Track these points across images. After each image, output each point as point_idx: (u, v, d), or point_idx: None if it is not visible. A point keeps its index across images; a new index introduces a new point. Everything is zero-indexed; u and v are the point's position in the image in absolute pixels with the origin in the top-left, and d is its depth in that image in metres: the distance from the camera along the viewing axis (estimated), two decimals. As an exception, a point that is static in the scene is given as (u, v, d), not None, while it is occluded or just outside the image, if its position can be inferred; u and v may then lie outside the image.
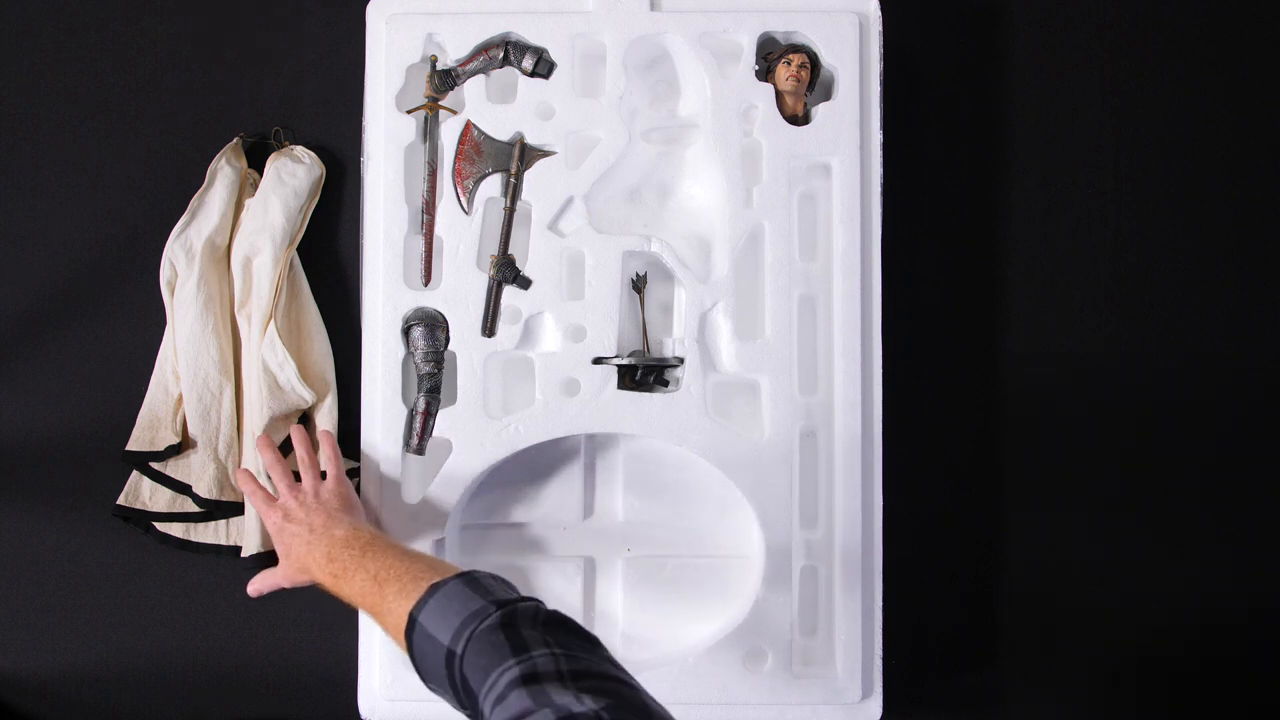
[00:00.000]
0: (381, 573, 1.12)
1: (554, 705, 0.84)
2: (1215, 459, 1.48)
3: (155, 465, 1.41)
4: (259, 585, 1.27)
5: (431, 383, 1.37)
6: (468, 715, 0.99)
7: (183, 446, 1.41)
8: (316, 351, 1.42)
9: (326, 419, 1.42)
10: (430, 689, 1.04)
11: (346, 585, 1.15)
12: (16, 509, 1.45)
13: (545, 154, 1.39)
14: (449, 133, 1.39)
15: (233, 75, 1.47)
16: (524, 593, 1.41)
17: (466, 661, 0.96)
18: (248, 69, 1.47)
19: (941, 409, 1.47)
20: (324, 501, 1.27)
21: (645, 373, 1.37)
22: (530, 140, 1.39)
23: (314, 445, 1.35)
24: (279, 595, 1.43)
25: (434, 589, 1.04)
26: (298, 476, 1.32)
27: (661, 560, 1.43)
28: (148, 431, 1.41)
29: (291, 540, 1.23)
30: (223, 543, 1.43)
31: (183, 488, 1.41)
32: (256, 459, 1.36)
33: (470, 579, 1.05)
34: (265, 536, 1.39)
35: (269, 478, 1.32)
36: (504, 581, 1.07)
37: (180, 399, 1.41)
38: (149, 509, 1.42)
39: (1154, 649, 1.47)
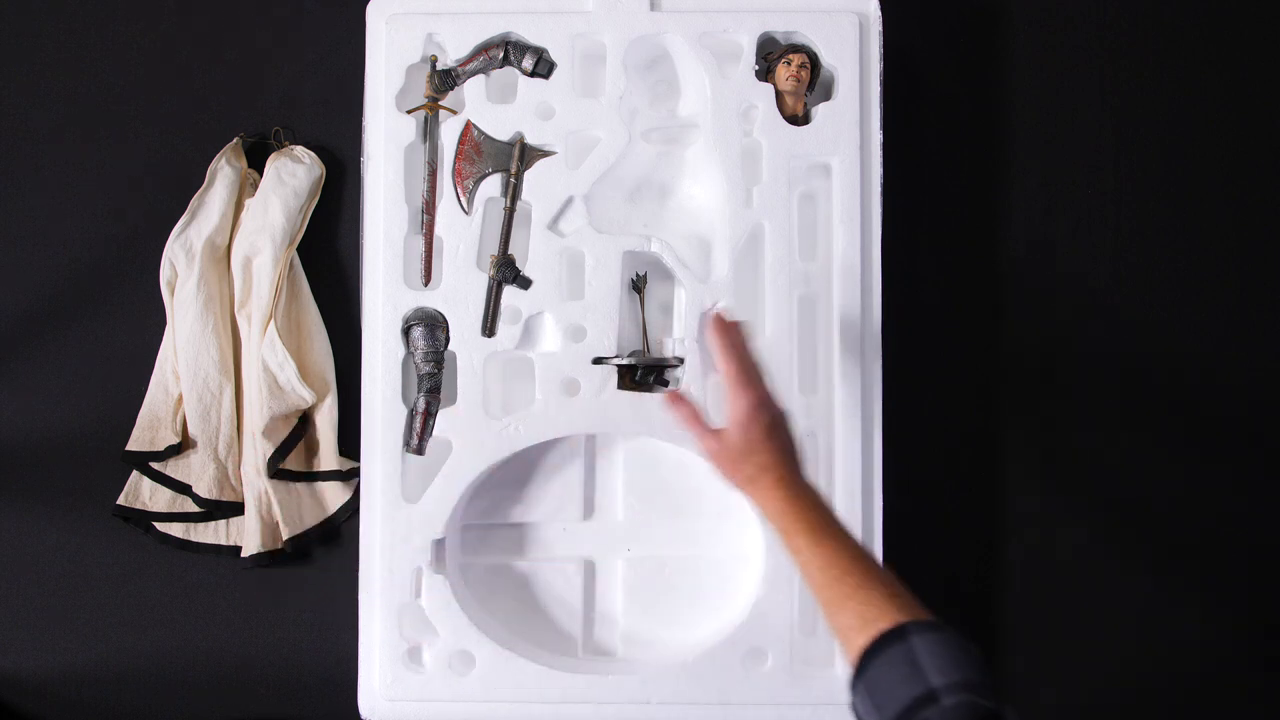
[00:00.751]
0: (863, 560, 1.08)
1: None
2: (1215, 458, 1.48)
3: (155, 465, 1.41)
4: (683, 415, 1.21)
5: (431, 383, 1.37)
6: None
7: (183, 446, 1.41)
8: (316, 351, 1.42)
9: (326, 419, 1.42)
10: (854, 688, 1.02)
11: (807, 543, 1.09)
12: (16, 509, 1.45)
13: (545, 154, 1.39)
14: (449, 133, 1.39)
15: (233, 75, 1.47)
16: (524, 592, 1.42)
17: (942, 713, 0.94)
18: (248, 69, 1.47)
19: (941, 409, 1.47)
20: (794, 436, 1.19)
21: (645, 373, 1.37)
22: (530, 140, 1.39)
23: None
24: (279, 595, 1.44)
25: (940, 626, 1.01)
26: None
27: (661, 560, 1.43)
28: (148, 431, 1.41)
29: (764, 453, 1.15)
30: (223, 543, 1.43)
31: (183, 488, 1.41)
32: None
33: (968, 644, 1.01)
34: (265, 536, 1.40)
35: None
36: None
37: (180, 399, 1.41)
38: (149, 509, 1.42)
39: (1154, 649, 1.47)
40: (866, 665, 1.01)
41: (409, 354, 1.38)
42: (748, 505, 1.35)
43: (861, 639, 1.02)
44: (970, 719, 0.93)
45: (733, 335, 1.21)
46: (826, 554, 1.09)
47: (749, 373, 1.19)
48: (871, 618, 1.03)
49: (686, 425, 1.21)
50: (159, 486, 1.42)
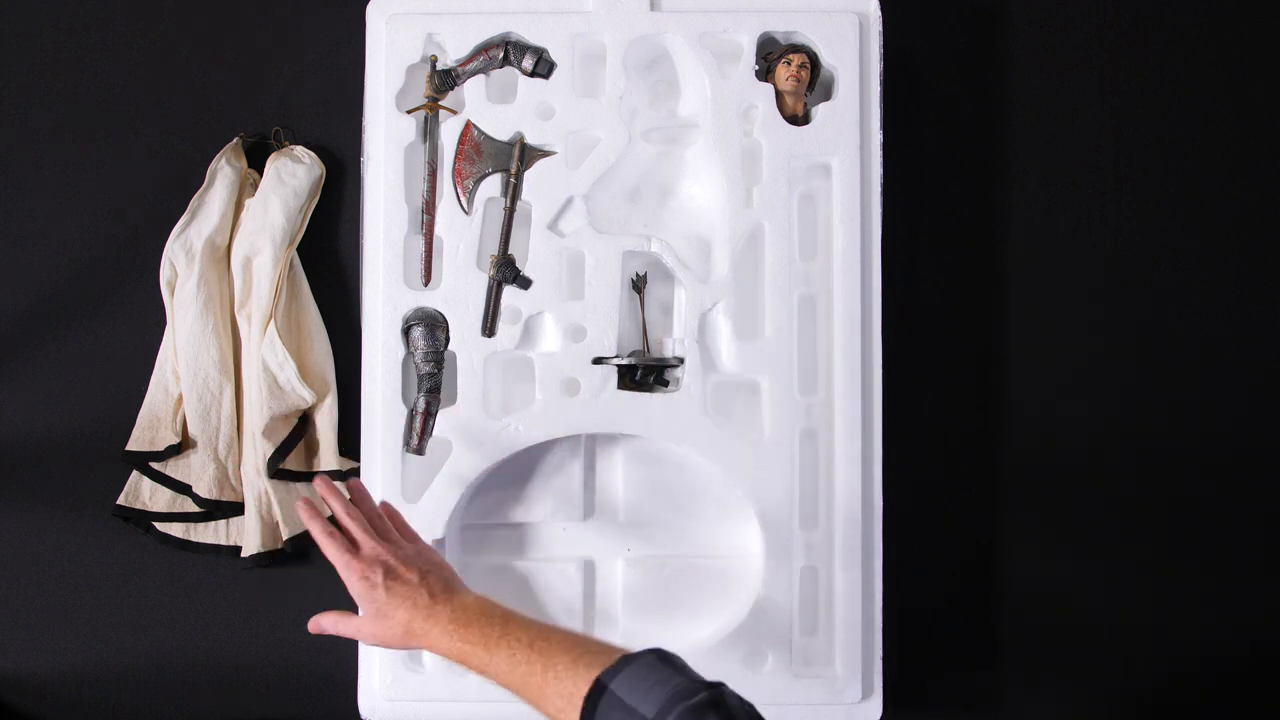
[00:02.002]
0: (540, 642, 1.07)
1: None
2: (1215, 457, 1.48)
3: (155, 465, 1.41)
4: (327, 627, 1.18)
5: (431, 383, 1.37)
6: None
7: (183, 446, 1.41)
8: (316, 351, 1.42)
9: (326, 419, 1.42)
10: None
11: (485, 655, 1.09)
12: (16, 509, 1.45)
13: (545, 154, 1.39)
14: (449, 133, 1.39)
15: (233, 75, 1.47)
16: (524, 592, 1.42)
17: None
18: (248, 69, 1.47)
19: (941, 409, 1.47)
20: (434, 564, 1.18)
21: (645, 373, 1.37)
22: (530, 140, 1.39)
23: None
24: (279, 595, 1.44)
25: (628, 659, 1.02)
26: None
27: (661, 560, 1.43)
28: (148, 431, 1.41)
29: (399, 604, 1.13)
30: (223, 543, 1.43)
31: (183, 488, 1.41)
32: (310, 492, 1.29)
33: (664, 655, 1.04)
34: (265, 536, 1.40)
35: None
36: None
37: (180, 399, 1.41)
38: (149, 509, 1.42)
39: (1154, 649, 1.47)
40: (621, 668, 1.02)
41: (409, 354, 1.38)
42: (747, 505, 1.36)
43: (574, 714, 1.02)
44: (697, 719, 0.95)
45: (332, 501, 1.20)
46: (506, 655, 1.08)
47: (341, 539, 1.17)
48: (569, 691, 1.03)
49: (335, 629, 1.18)
50: (159, 486, 1.42)
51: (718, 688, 0.99)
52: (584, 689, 1.01)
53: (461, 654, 1.11)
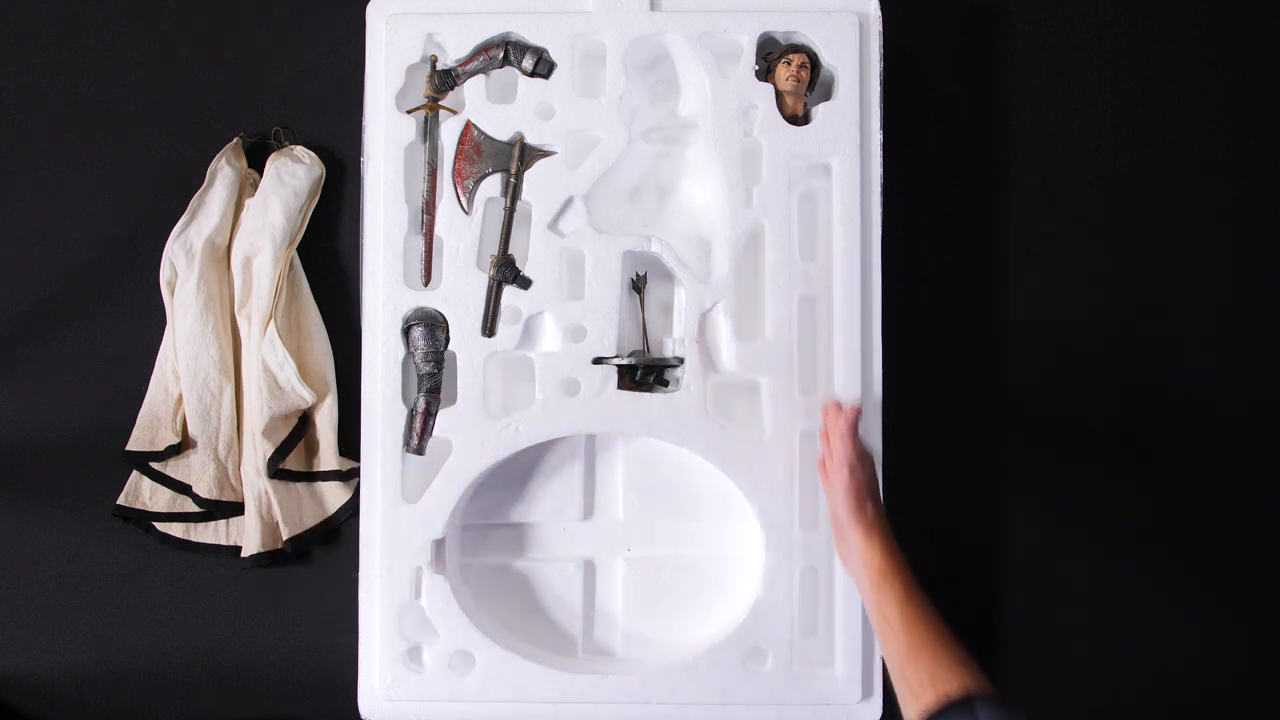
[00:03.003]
0: (937, 621, 1.13)
1: None
2: (1217, 457, 1.48)
3: (155, 465, 1.41)
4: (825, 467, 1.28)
5: (431, 383, 1.37)
6: None
7: (183, 446, 1.41)
8: (316, 351, 1.42)
9: (326, 419, 1.42)
10: None
11: (892, 597, 1.15)
12: (16, 509, 1.45)
13: (545, 154, 1.39)
14: (449, 133, 1.39)
15: (233, 75, 1.47)
16: (524, 592, 1.42)
17: None
18: (248, 69, 1.47)
19: (941, 409, 1.47)
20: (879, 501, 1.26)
21: (645, 373, 1.37)
22: (530, 140, 1.39)
23: None
24: (279, 595, 1.44)
25: (994, 701, 1.03)
26: None
27: (661, 560, 1.43)
28: (148, 431, 1.41)
29: (867, 503, 1.23)
30: (223, 543, 1.43)
31: (183, 488, 1.41)
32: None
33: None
34: (265, 536, 1.40)
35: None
36: None
37: (180, 399, 1.41)
38: (149, 509, 1.42)
39: (1155, 649, 1.47)
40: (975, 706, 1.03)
41: (409, 354, 1.38)
42: (747, 505, 1.35)
43: (928, 697, 1.06)
44: None
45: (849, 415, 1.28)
46: (914, 609, 1.14)
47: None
48: (942, 677, 1.06)
49: (834, 438, 1.27)
50: (159, 486, 1.42)
51: None
52: (952, 690, 1.04)
53: (884, 576, 1.17)
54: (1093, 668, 1.47)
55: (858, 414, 1.27)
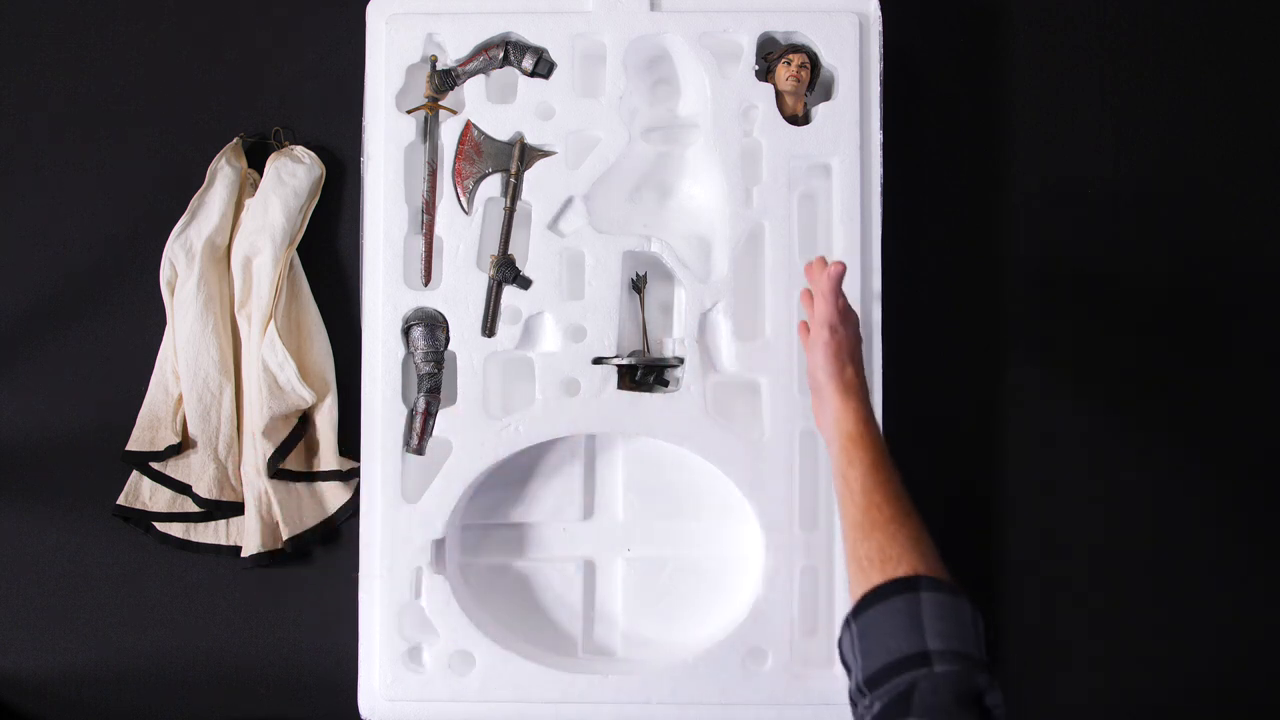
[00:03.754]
0: (906, 497, 1.09)
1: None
2: (1218, 455, 1.48)
3: (155, 465, 1.41)
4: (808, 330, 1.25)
5: (431, 383, 1.37)
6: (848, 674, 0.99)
7: (183, 446, 1.41)
8: (316, 351, 1.42)
9: (326, 419, 1.42)
10: (847, 624, 1.00)
11: (866, 465, 1.11)
12: (16, 509, 1.45)
13: (545, 154, 1.39)
14: (449, 133, 1.39)
15: (233, 75, 1.47)
16: (524, 592, 1.42)
17: (931, 680, 0.92)
18: (248, 69, 1.47)
19: (941, 409, 1.47)
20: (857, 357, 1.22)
21: (645, 373, 1.37)
22: (530, 140, 1.39)
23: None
24: (279, 595, 1.44)
25: (956, 590, 1.00)
26: None
27: (661, 560, 1.43)
28: (148, 431, 1.41)
29: (848, 365, 1.19)
30: (223, 543, 1.43)
31: (183, 488, 1.41)
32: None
33: (978, 613, 1.01)
34: (265, 536, 1.40)
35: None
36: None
37: (180, 399, 1.41)
38: (149, 509, 1.42)
39: (1155, 650, 1.47)
40: (868, 605, 0.99)
41: (409, 354, 1.38)
42: (747, 505, 1.35)
43: (876, 576, 1.01)
44: (955, 692, 0.91)
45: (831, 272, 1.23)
46: (877, 482, 1.10)
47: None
48: (892, 557, 1.02)
49: (816, 297, 1.23)
50: (159, 486, 1.42)
51: (992, 688, 0.93)
52: (902, 570, 1.00)
53: (853, 445, 1.13)
54: (1093, 668, 1.47)
55: (842, 270, 1.21)
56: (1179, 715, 1.48)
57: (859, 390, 1.19)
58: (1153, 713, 1.48)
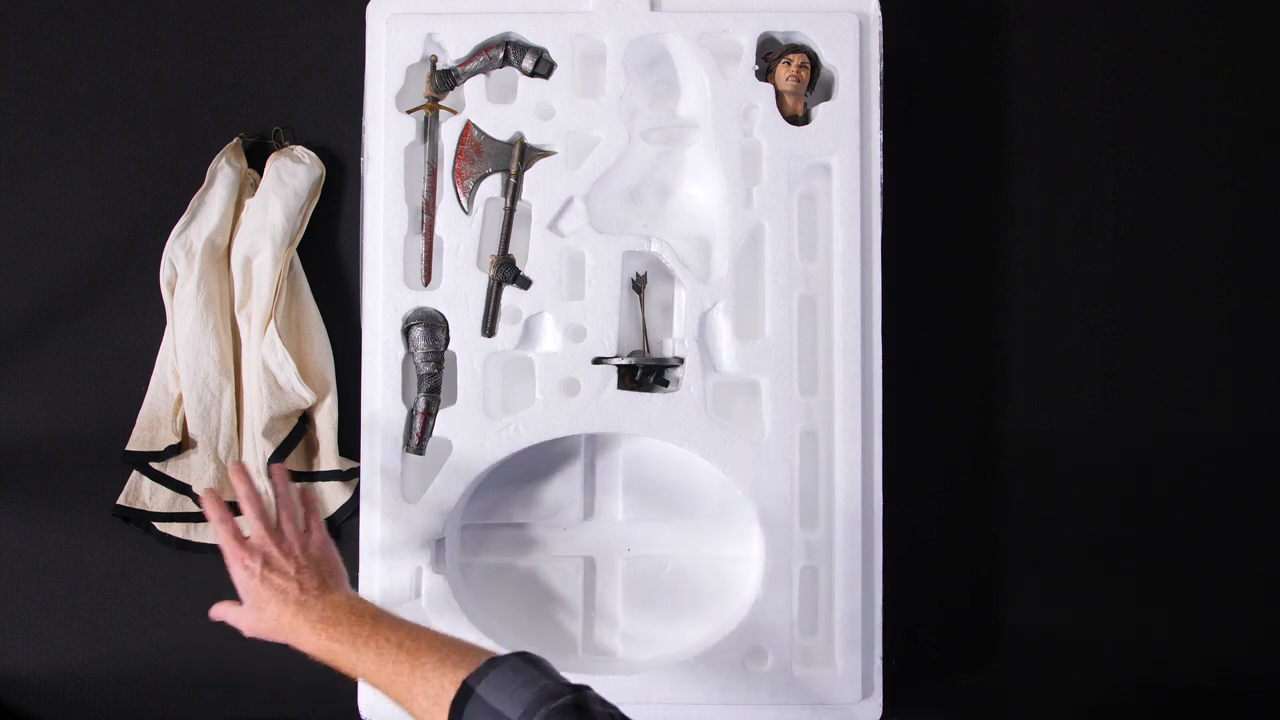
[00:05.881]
0: (409, 643, 1.08)
1: None
2: (1218, 461, 1.48)
3: (155, 465, 1.41)
4: (217, 615, 1.21)
5: (431, 383, 1.37)
6: None
7: (183, 446, 1.41)
8: (316, 351, 1.42)
9: (326, 419, 1.42)
10: None
11: (353, 655, 1.09)
12: (16, 509, 1.45)
13: (545, 154, 1.39)
14: (449, 133, 1.39)
15: (233, 75, 1.47)
16: (524, 592, 1.42)
17: None
18: (248, 69, 1.47)
19: (941, 408, 1.47)
20: (314, 559, 1.18)
21: (645, 373, 1.37)
22: (530, 140, 1.39)
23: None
24: (279, 595, 1.44)
25: (494, 662, 1.03)
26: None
27: (661, 560, 1.43)
28: (148, 431, 1.41)
29: (271, 596, 1.15)
30: (223, 543, 1.43)
31: (183, 488, 1.41)
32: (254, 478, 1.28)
33: (530, 657, 1.04)
34: (265, 536, 1.40)
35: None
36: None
37: (180, 399, 1.41)
38: (149, 509, 1.42)
39: (1154, 650, 1.47)
40: (487, 671, 1.02)
41: (409, 354, 1.38)
42: (747, 505, 1.36)
43: (442, 715, 1.02)
44: (573, 715, 0.96)
45: (238, 484, 1.21)
46: (374, 655, 1.08)
47: (233, 525, 1.20)
48: (435, 692, 1.03)
49: (224, 617, 1.20)
50: (159, 486, 1.42)
51: (582, 690, 1.00)
52: (451, 691, 1.02)
53: (330, 652, 1.11)
54: (1092, 668, 1.47)
55: (284, 477, 1.21)
56: (1179, 715, 1.48)
57: (337, 605, 1.14)
58: (1153, 712, 1.48)
